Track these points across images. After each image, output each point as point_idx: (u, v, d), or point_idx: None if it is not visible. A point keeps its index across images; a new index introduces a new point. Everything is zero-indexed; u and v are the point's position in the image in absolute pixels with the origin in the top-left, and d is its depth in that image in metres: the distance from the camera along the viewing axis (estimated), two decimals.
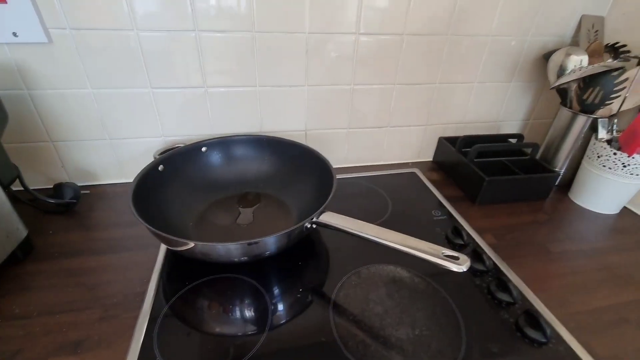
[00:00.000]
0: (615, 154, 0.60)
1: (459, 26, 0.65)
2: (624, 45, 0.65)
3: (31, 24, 0.49)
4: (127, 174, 0.67)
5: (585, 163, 0.66)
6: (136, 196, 0.45)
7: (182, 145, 0.60)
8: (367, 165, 0.79)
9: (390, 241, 0.40)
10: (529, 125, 0.85)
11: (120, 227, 0.56)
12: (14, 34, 0.49)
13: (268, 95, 0.65)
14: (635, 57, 0.61)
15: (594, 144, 0.64)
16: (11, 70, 0.53)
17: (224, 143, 0.64)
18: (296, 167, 0.61)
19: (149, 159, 0.56)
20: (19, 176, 0.52)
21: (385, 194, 0.67)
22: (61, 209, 0.59)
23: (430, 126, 0.78)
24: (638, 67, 0.56)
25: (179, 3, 0.53)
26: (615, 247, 0.57)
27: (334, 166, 0.54)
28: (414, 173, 0.76)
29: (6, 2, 0.47)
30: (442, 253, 0.37)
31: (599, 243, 0.58)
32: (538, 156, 0.73)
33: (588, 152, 0.66)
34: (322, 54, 0.63)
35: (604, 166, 0.62)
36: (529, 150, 0.74)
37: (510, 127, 0.84)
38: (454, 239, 0.55)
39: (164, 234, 0.40)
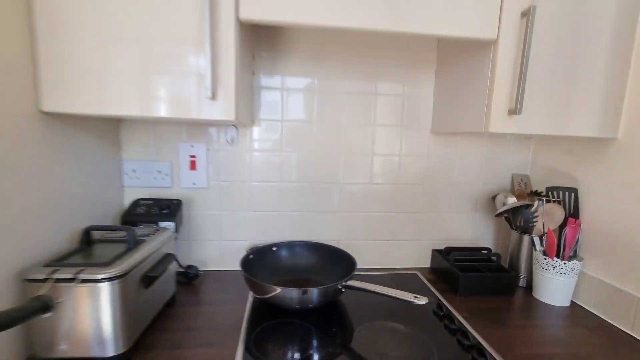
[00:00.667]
0: (545, 259, 0.90)
1: (432, 179, 1.09)
2: (541, 192, 1.02)
3: (203, 179, 0.98)
4: (225, 264, 1.04)
5: (534, 267, 0.95)
6: (243, 267, 0.81)
7: (262, 244, 0.99)
8: (380, 268, 1.11)
9: (391, 292, 0.71)
10: (499, 242, 1.16)
11: (223, 293, 0.89)
12: (194, 184, 0.98)
13: (315, 217, 1.06)
14: (541, 197, 0.98)
15: (535, 253, 0.94)
16: (189, 200, 0.99)
17: (287, 245, 1.01)
18: (332, 261, 0.96)
19: (239, 255, 0.94)
20: (176, 258, 0.91)
21: (393, 286, 0.97)
22: (189, 280, 0.95)
23: (424, 241, 1.13)
24: (538, 202, 0.93)
25: (270, 170, 1.02)
26: (562, 326, 0.80)
27: (362, 268, 0.89)
28: (415, 274, 1.07)
29: (196, 169, 0.97)
30: (414, 296, 0.67)
31: (549, 322, 0.81)
32: (506, 264, 1.03)
33: (533, 259, 0.95)
34: (350, 193, 1.06)
35: (543, 269, 0.91)
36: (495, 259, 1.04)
37: (485, 242, 1.16)
38: (440, 312, 0.82)
39: (261, 282, 0.74)
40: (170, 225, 0.87)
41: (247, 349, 0.66)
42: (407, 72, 1.03)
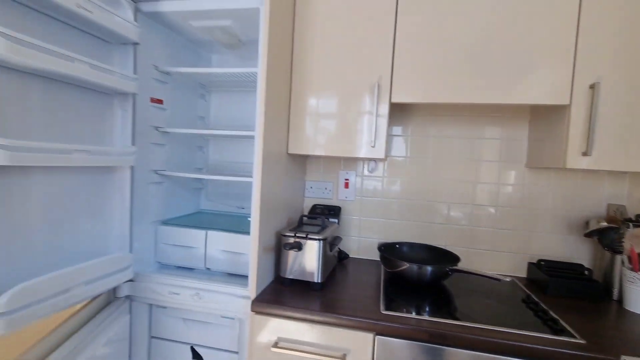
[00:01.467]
0: (631, 273, 1.08)
1: (528, 203, 1.36)
2: (633, 220, 1.19)
3: (352, 194, 1.50)
4: (361, 254, 1.52)
5: (622, 281, 1.13)
6: (381, 250, 1.27)
7: (388, 242, 1.43)
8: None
9: (485, 273, 1.06)
10: (594, 262, 1.32)
11: (363, 268, 1.36)
12: (346, 197, 1.51)
13: (428, 226, 1.46)
14: (628, 222, 1.15)
15: (622, 268, 1.12)
16: (342, 207, 1.53)
17: (408, 244, 1.43)
18: (440, 258, 1.33)
19: (371, 248, 1.40)
20: (341, 239, 1.43)
21: (489, 286, 1.27)
22: (340, 260, 1.46)
23: (520, 254, 1.38)
24: (624, 225, 1.12)
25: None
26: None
27: (462, 266, 1.25)
28: (511, 280, 1.34)
29: (348, 188, 1.50)
30: (502, 275, 1.01)
31: (628, 323, 1.01)
32: (600, 279, 1.21)
33: (622, 274, 1.13)
34: (456, 210, 1.43)
35: (629, 281, 1.09)
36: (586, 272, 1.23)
37: (578, 261, 1.34)
38: (527, 301, 1.11)
39: (394, 258, 1.18)
40: (335, 220, 1.41)
41: (386, 295, 1.10)
42: (506, 122, 1.38)
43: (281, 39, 1.13)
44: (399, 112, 1.46)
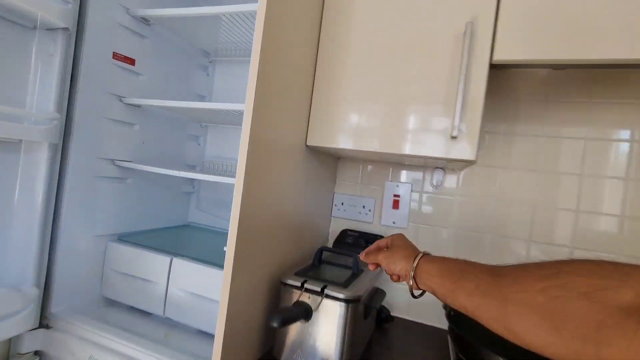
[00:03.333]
0: None
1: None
2: None
3: (404, 219, 0.98)
4: (412, 313, 0.98)
5: None
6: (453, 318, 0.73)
7: None
8: None
9: None
10: None
11: (416, 345, 0.82)
12: (393, 222, 0.99)
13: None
14: None
15: None
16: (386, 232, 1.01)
17: None
18: None
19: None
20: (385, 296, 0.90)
21: None
22: (380, 322, 0.92)
23: None
24: None
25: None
26: None
27: None
28: None
29: (398, 209, 0.99)
30: None
31: None
32: None
33: None
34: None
35: None
36: None
37: None
38: None
39: (481, 348, 0.63)
40: None
41: None
42: None
43: None
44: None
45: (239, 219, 0.55)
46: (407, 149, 0.70)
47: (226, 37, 0.96)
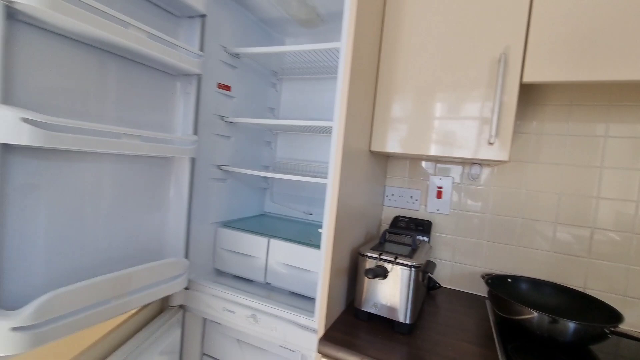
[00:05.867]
0: None
1: None
2: None
3: (446, 206, 1.18)
4: (454, 283, 1.19)
5: None
6: (492, 286, 0.93)
7: (495, 273, 1.08)
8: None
9: None
10: None
11: (459, 305, 1.04)
12: (437, 210, 1.20)
13: (555, 257, 1.06)
14: None
15: None
16: (436, 223, 1.22)
17: (527, 280, 1.06)
18: (579, 308, 0.94)
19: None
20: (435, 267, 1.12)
21: None
22: (429, 289, 1.15)
23: None
24: None
25: None
26: None
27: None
28: None
29: (441, 198, 1.19)
30: None
31: None
32: None
33: None
34: (609, 247, 1.01)
35: None
36: None
37: None
38: None
39: (518, 303, 0.83)
40: (425, 239, 1.10)
41: (507, 355, 0.77)
42: None
43: (370, 6, 0.89)
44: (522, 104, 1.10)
45: (337, 210, 0.79)
46: (455, 153, 0.90)
47: (291, 58, 1.18)
